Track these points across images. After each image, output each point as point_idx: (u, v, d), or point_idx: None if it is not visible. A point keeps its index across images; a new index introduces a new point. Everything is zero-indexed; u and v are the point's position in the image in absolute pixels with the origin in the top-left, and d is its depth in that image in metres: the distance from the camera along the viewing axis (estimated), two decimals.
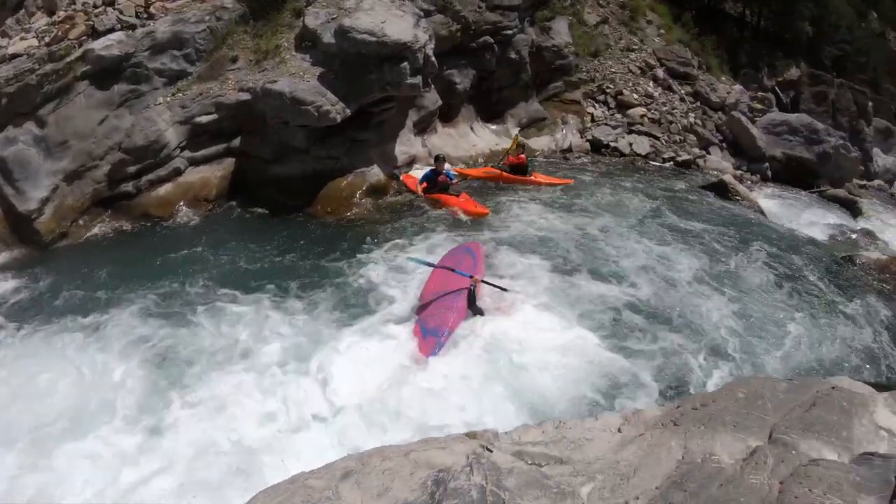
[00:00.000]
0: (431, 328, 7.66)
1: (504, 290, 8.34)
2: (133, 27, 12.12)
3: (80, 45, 11.52)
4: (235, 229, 10.85)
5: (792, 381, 4.34)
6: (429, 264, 8.84)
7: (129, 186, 11.35)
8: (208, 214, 11.47)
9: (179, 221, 11.18)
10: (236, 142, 12.22)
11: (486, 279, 8.48)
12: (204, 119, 11.77)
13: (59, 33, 11.58)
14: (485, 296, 8.36)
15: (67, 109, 11.10)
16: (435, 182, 12.23)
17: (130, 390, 6.71)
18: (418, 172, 13.13)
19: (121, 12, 12.27)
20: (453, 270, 8.40)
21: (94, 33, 11.83)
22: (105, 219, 11.14)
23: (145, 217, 11.17)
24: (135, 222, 11.09)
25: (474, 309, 8.12)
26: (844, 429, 3.50)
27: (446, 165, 12.56)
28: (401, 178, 13.06)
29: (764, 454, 3.27)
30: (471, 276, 8.28)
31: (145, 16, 12.54)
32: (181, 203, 11.52)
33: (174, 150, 11.63)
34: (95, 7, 12.35)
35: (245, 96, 11.81)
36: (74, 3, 12.39)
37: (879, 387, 4.86)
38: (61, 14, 12.09)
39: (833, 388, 3.95)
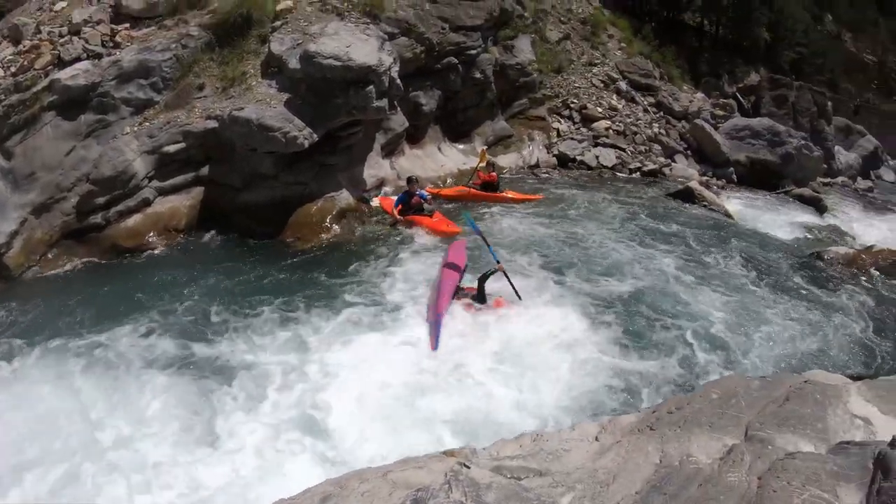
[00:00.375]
0: (430, 321, 8.24)
1: (519, 297, 8.62)
2: (99, 56, 12.00)
3: (47, 75, 11.39)
4: (206, 259, 10.69)
5: (765, 378, 4.38)
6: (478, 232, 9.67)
7: (98, 218, 11.13)
8: (178, 244, 11.29)
9: (149, 252, 10.99)
10: (205, 170, 12.09)
11: (508, 276, 8.72)
12: (172, 148, 11.64)
13: (25, 63, 11.44)
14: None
15: (34, 140, 10.93)
16: (409, 204, 12.24)
17: (98, 422, 6.56)
18: (375, 200, 13.24)
19: (87, 41, 12.15)
20: (488, 247, 9.17)
21: (61, 63, 11.69)
22: (75, 251, 10.90)
23: (115, 249, 10.97)
24: (105, 254, 10.88)
25: (481, 297, 8.49)
26: (819, 420, 3.52)
27: (418, 187, 12.59)
28: (378, 200, 13.07)
29: (741, 452, 3.27)
30: (497, 262, 8.77)
31: (111, 45, 12.42)
32: (151, 234, 11.33)
33: (142, 180, 11.47)
34: (61, 36, 12.23)
35: (212, 124, 11.72)
36: (40, 33, 12.27)
37: (854, 377, 4.92)
38: (27, 43, 11.94)
39: (806, 381, 3.99)
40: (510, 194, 14.23)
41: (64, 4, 13.25)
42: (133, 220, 11.37)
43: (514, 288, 8.59)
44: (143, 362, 7.61)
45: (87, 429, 6.45)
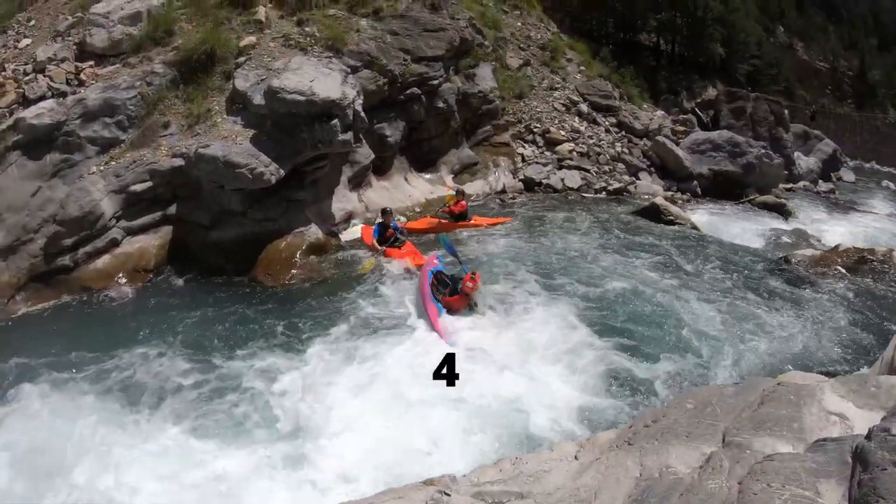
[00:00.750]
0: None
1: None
2: (64, 94, 11.94)
3: (11, 114, 11.33)
4: (177, 298, 10.50)
5: (738, 384, 4.41)
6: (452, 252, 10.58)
7: (65, 260, 10.92)
8: (148, 285, 11.10)
9: (119, 293, 10.74)
10: (172, 209, 11.96)
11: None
12: (139, 187, 11.50)
13: None
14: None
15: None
16: (384, 235, 12.22)
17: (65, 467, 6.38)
18: (355, 229, 13.29)
19: (51, 79, 12.11)
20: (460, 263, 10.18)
21: (25, 101, 11.65)
22: (43, 294, 10.65)
23: (84, 290, 10.74)
24: (73, 296, 10.65)
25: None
26: (795, 421, 3.54)
27: (391, 218, 12.61)
28: (359, 229, 13.07)
29: (719, 458, 3.27)
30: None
31: (76, 83, 12.39)
32: (120, 274, 11.12)
33: (110, 220, 11.29)
34: (25, 74, 12.18)
35: (179, 162, 11.63)
36: (4, 70, 12.21)
37: (830, 374, 4.96)
38: None
39: (779, 383, 4.02)
40: (479, 220, 14.25)
41: (28, 42, 13.27)
42: (102, 262, 11.19)
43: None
44: (117, 403, 7.44)
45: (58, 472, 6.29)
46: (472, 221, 14.14)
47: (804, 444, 3.33)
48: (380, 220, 12.59)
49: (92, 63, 12.98)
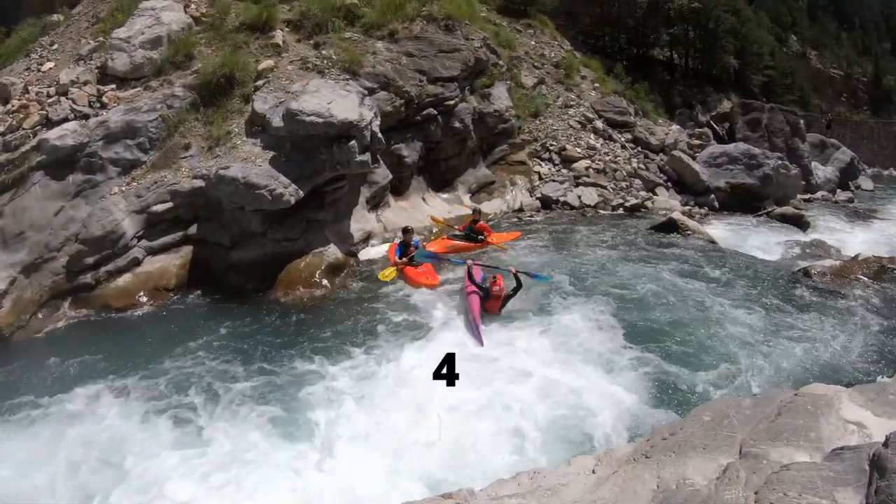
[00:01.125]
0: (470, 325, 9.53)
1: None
2: (86, 117, 12.25)
3: (35, 135, 11.61)
4: (197, 317, 10.63)
5: (755, 396, 4.42)
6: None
7: (87, 278, 11.14)
8: (169, 304, 11.25)
9: (139, 312, 10.93)
10: (193, 229, 12.18)
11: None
12: (160, 207, 11.75)
13: (14, 122, 11.66)
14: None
15: (23, 200, 11.07)
16: (405, 253, 12.21)
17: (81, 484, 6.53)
18: (379, 248, 13.37)
19: (74, 101, 12.43)
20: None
21: (49, 123, 11.94)
22: (65, 311, 10.89)
23: (105, 308, 10.94)
24: (95, 314, 10.84)
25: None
26: (812, 430, 3.56)
27: (413, 236, 12.64)
28: (386, 247, 13.13)
29: (736, 469, 3.29)
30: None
31: (98, 105, 12.71)
32: (141, 293, 11.32)
33: (131, 239, 11.53)
34: (49, 97, 12.50)
35: (199, 183, 11.86)
36: (28, 93, 12.53)
37: (852, 385, 4.94)
38: (15, 103, 12.17)
39: (796, 394, 4.04)
40: (490, 238, 14.13)
41: (51, 65, 13.67)
42: (123, 280, 11.41)
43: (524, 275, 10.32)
44: (138, 422, 7.54)
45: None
46: (484, 241, 13.89)
47: (821, 453, 3.35)
48: (400, 238, 12.69)
49: (114, 86, 13.35)
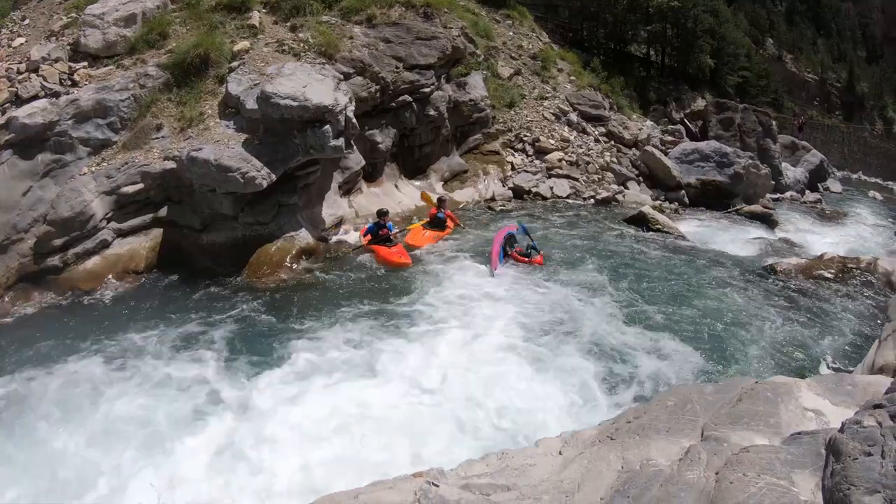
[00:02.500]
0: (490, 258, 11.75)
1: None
2: (57, 95, 11.97)
3: (3, 113, 11.34)
4: (165, 300, 10.50)
5: (718, 383, 4.52)
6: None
7: (55, 260, 10.90)
8: (138, 287, 11.08)
9: (108, 295, 10.72)
10: (164, 211, 12.00)
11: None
12: (130, 189, 11.53)
13: None
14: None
15: None
16: (377, 234, 12.46)
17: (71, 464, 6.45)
18: (354, 234, 13.38)
19: (45, 79, 12.13)
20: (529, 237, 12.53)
21: (18, 100, 11.65)
22: (32, 294, 10.63)
23: (73, 291, 10.73)
24: (63, 297, 10.63)
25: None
26: (772, 416, 3.66)
27: (388, 219, 12.83)
28: (360, 233, 13.13)
29: (697, 451, 3.38)
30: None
31: (69, 83, 12.43)
32: (110, 276, 11.11)
33: (101, 221, 11.30)
34: (19, 73, 12.19)
35: (170, 165, 11.65)
36: None
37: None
38: None
39: (757, 382, 4.14)
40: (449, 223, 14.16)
41: (22, 41, 13.32)
42: (92, 263, 11.20)
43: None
44: (104, 404, 7.43)
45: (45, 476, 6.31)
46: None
47: (780, 437, 3.44)
48: (377, 219, 12.75)
49: (86, 64, 13.06)
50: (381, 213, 12.81)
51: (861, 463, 2.62)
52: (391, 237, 12.53)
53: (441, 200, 14.58)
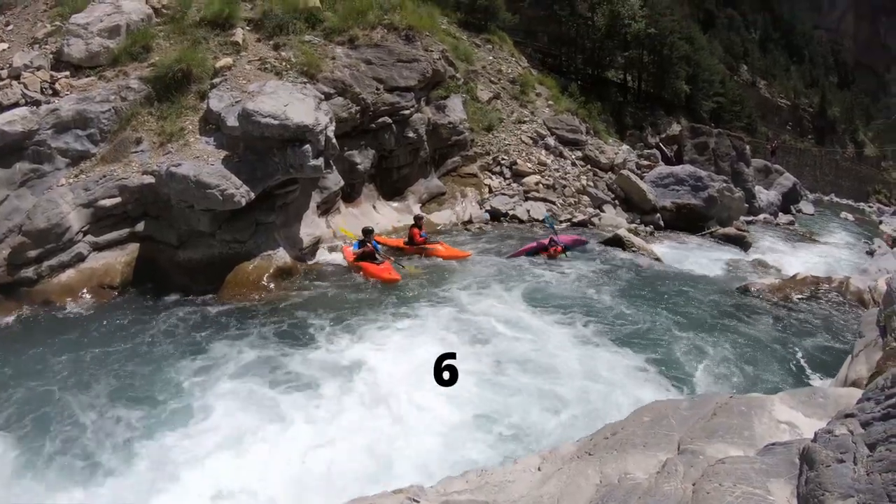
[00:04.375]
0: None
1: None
2: (38, 103, 11.90)
3: None
4: (139, 316, 10.32)
5: (693, 398, 4.58)
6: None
7: (29, 272, 10.76)
8: (112, 302, 10.94)
9: (80, 309, 10.59)
10: (141, 226, 11.91)
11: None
12: (107, 202, 11.43)
13: None
14: None
15: None
16: (362, 252, 12.54)
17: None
18: (336, 254, 13.54)
19: (26, 87, 12.07)
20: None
21: None
22: (3, 305, 10.47)
23: (46, 305, 10.59)
24: (35, 310, 10.49)
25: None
26: (746, 429, 3.72)
27: (373, 239, 12.92)
28: (343, 252, 13.31)
29: (674, 464, 3.42)
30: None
31: (50, 92, 12.37)
32: (84, 290, 10.99)
33: (77, 234, 11.17)
34: (0, 80, 12.11)
35: (149, 179, 11.59)
36: None
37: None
38: None
39: (731, 397, 4.20)
40: (442, 252, 14.13)
41: (5, 47, 13.24)
42: (66, 276, 11.09)
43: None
44: (67, 427, 7.30)
45: None
46: (436, 248, 14.09)
47: (755, 449, 3.50)
48: (362, 237, 12.83)
49: (68, 73, 13.01)
50: (367, 232, 12.85)
51: (834, 470, 2.69)
52: (377, 255, 12.57)
53: (418, 218, 14.69)
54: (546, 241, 14.33)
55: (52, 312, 10.46)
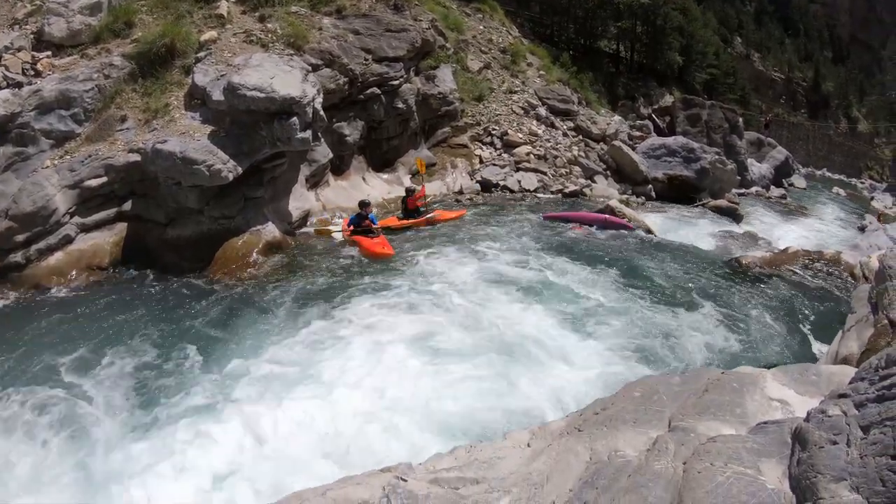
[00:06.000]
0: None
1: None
2: (20, 85, 11.66)
3: None
4: (130, 296, 10.23)
5: (684, 373, 4.54)
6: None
7: (17, 256, 10.60)
8: (102, 283, 10.81)
9: (70, 292, 10.46)
10: (128, 205, 11.73)
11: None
12: (94, 182, 11.25)
13: None
14: None
15: None
16: (359, 225, 12.49)
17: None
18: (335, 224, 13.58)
19: (7, 69, 11.83)
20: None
21: None
22: None
23: (36, 288, 10.47)
24: (25, 294, 10.36)
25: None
26: (738, 406, 3.67)
27: (370, 210, 12.89)
28: (340, 224, 13.28)
29: (665, 441, 3.38)
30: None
31: (32, 73, 12.13)
32: (73, 272, 10.85)
33: (64, 215, 11.01)
34: None
35: (135, 157, 11.41)
36: None
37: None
38: None
39: (723, 373, 4.16)
40: (442, 215, 14.41)
41: None
42: (55, 258, 10.93)
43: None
44: (61, 407, 7.22)
45: None
46: (433, 216, 14.31)
47: (746, 427, 3.46)
48: (359, 210, 12.79)
49: (49, 53, 12.75)
50: (364, 204, 12.83)
51: (827, 451, 2.65)
52: (373, 229, 12.52)
53: (410, 191, 14.63)
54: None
55: (41, 296, 10.32)
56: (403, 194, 14.85)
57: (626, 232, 14.36)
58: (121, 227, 11.72)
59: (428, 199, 14.48)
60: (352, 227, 12.58)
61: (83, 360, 8.19)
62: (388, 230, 13.39)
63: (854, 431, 2.60)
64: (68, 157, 11.54)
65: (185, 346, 8.50)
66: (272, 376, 7.70)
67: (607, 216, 14.86)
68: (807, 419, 3.01)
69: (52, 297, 10.36)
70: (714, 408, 3.67)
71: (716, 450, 3.08)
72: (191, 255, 11.33)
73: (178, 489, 5.83)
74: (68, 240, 11.16)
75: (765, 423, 3.36)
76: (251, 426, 6.71)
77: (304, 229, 13.23)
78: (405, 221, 14.14)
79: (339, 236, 12.85)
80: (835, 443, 2.63)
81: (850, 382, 3.07)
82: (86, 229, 11.42)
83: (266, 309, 9.68)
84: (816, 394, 3.80)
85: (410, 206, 14.38)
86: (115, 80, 12.53)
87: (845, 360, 5.32)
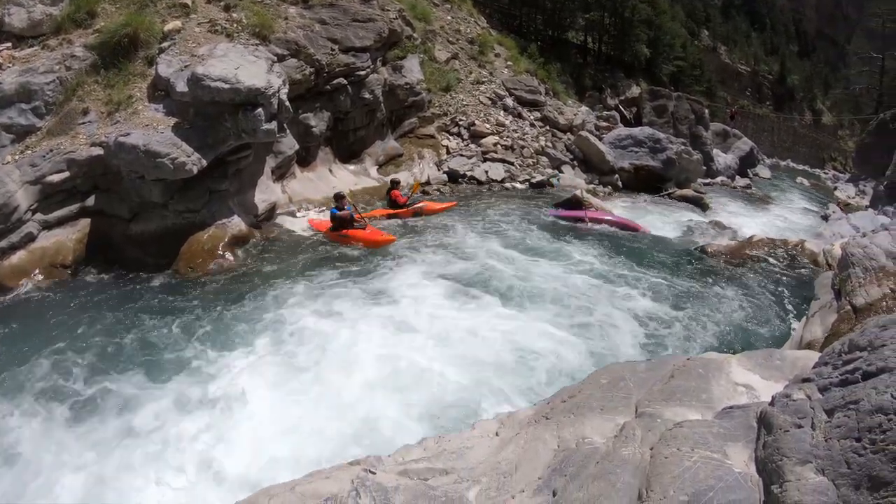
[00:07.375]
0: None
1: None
2: None
3: None
4: (94, 294, 9.98)
5: (650, 360, 4.59)
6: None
7: None
8: (66, 281, 10.54)
9: (31, 292, 10.17)
10: (91, 200, 11.42)
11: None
12: (56, 178, 10.89)
13: None
14: None
15: None
16: (340, 219, 12.31)
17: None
18: (299, 220, 13.41)
19: None
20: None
21: None
22: None
23: None
24: None
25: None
26: (703, 392, 3.71)
27: (346, 202, 12.71)
28: (307, 222, 13.17)
29: (632, 428, 3.40)
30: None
31: None
32: (36, 270, 10.52)
33: (25, 213, 10.63)
34: None
35: (98, 151, 11.09)
36: None
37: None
38: None
39: (689, 359, 4.20)
40: (431, 206, 14.64)
41: None
42: (17, 257, 10.55)
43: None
44: (23, 408, 7.06)
45: None
46: (421, 206, 14.52)
47: (713, 412, 3.50)
48: (335, 204, 12.62)
49: (9, 45, 12.38)
50: (339, 197, 12.68)
51: (792, 435, 2.68)
52: (356, 219, 12.42)
53: (395, 182, 14.99)
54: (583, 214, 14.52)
55: (4, 297, 9.98)
56: (388, 186, 15.01)
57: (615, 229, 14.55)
58: (84, 224, 11.40)
59: (412, 193, 14.78)
60: (332, 224, 12.41)
61: (49, 363, 7.94)
62: (375, 221, 13.41)
63: (819, 415, 2.64)
64: (29, 151, 11.18)
65: (152, 344, 8.37)
66: (242, 370, 7.62)
67: (624, 219, 14.98)
68: (772, 403, 3.05)
69: (16, 297, 10.05)
70: (680, 393, 3.70)
71: (682, 435, 3.10)
72: (156, 250, 11.11)
73: (155, 492, 5.76)
74: (31, 238, 10.80)
75: (730, 407, 3.40)
76: (219, 423, 6.65)
77: (281, 221, 13.13)
78: (390, 210, 14.18)
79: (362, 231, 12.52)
80: (800, 426, 2.66)
81: (814, 367, 3.12)
82: (48, 226, 11.08)
83: (233, 302, 9.55)
84: (781, 378, 3.86)
85: (394, 198, 14.37)
86: (77, 71, 12.18)
87: (809, 345, 5.44)
